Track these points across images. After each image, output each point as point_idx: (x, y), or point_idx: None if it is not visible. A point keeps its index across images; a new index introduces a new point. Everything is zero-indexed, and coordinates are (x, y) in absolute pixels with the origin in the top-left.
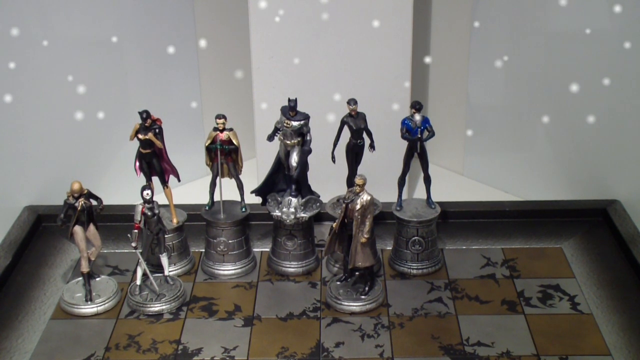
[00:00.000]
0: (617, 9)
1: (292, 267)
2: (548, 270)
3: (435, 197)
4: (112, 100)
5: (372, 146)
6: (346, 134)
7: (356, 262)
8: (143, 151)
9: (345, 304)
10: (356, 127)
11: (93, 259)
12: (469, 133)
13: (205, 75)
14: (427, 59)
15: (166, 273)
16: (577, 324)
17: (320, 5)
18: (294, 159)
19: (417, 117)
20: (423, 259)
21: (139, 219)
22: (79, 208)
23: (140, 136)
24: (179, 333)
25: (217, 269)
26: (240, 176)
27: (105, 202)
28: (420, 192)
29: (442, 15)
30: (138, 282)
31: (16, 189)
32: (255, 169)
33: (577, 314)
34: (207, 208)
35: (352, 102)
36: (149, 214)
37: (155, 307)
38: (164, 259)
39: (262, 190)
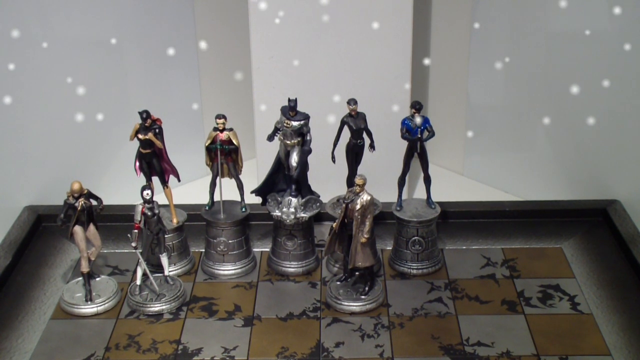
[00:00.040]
0: (617, 10)
1: (292, 267)
2: (548, 270)
3: (435, 197)
4: (112, 101)
5: (372, 146)
6: (346, 134)
7: (356, 262)
8: (143, 151)
9: (345, 304)
10: (356, 127)
11: (93, 259)
12: (470, 135)
13: (206, 76)
14: (427, 61)
15: (166, 273)
16: (577, 324)
17: (320, 7)
18: (294, 159)
19: (418, 119)
20: (423, 259)
21: (139, 219)
22: (79, 208)
23: (140, 136)
24: (179, 333)
25: (217, 269)
26: (240, 176)
27: (105, 202)
28: (420, 192)
29: (442, 17)
30: (138, 282)
31: (16, 189)
32: (255, 169)
33: (577, 314)
34: (207, 208)
35: (352, 102)
36: (149, 214)
37: (155, 307)
38: (164, 259)
39: (262, 190)
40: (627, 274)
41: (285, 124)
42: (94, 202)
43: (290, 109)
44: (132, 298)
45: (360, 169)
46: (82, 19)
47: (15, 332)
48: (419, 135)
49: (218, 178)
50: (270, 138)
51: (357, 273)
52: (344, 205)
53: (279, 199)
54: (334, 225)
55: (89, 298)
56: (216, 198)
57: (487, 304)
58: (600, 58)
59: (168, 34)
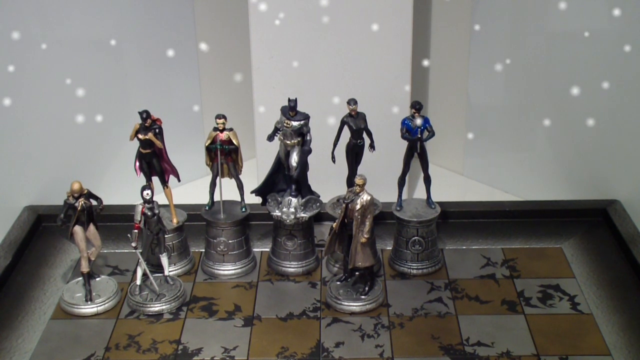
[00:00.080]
0: (616, 12)
1: (292, 267)
2: (548, 270)
3: (435, 197)
4: (112, 102)
5: (372, 146)
6: (346, 134)
7: (356, 262)
8: (143, 151)
9: (345, 304)
10: (356, 127)
11: (93, 259)
12: (470, 137)
13: (206, 76)
14: (425, 62)
15: (166, 273)
16: (577, 324)
17: (320, 8)
18: (294, 159)
19: (418, 121)
20: (423, 259)
21: (139, 219)
22: (79, 208)
23: (140, 136)
24: (179, 333)
25: (217, 269)
26: (240, 176)
27: (105, 202)
28: (420, 192)
29: (442, 18)
30: (138, 282)
31: (16, 189)
32: (255, 169)
33: (577, 314)
34: (207, 208)
35: (352, 102)
36: (149, 214)
37: (155, 307)
38: (164, 259)
39: (262, 190)
40: (627, 274)
41: (285, 124)
42: (94, 202)
43: (290, 109)
44: (132, 298)
45: (360, 169)
46: (82, 20)
47: (15, 332)
48: (419, 135)
49: (218, 178)
50: (270, 138)
51: (357, 273)
52: (344, 205)
53: (279, 199)
54: (334, 225)
55: (89, 298)
56: (216, 198)
57: (487, 304)
58: (600, 59)
59: (168, 35)
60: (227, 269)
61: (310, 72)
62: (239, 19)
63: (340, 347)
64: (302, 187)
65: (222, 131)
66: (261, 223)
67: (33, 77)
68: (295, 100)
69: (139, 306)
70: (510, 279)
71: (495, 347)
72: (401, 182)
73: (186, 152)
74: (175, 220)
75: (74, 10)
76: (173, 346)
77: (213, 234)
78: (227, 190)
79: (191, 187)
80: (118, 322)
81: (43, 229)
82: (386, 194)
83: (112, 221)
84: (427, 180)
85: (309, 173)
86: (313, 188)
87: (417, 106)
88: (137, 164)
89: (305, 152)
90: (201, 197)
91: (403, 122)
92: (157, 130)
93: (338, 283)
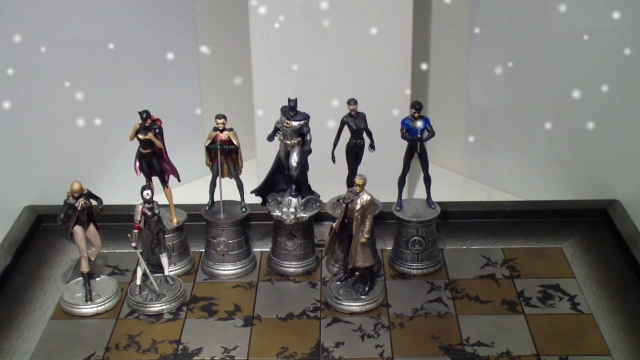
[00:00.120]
0: (616, 15)
1: (292, 267)
2: (548, 270)
3: (435, 197)
4: (112, 102)
5: (372, 146)
6: (346, 134)
7: (356, 262)
8: (143, 151)
9: (345, 304)
10: (356, 127)
11: (93, 259)
12: (471, 139)
13: (206, 76)
14: (424, 66)
15: (166, 273)
16: (577, 324)
17: (320, 11)
18: (294, 159)
19: (419, 123)
20: (423, 259)
21: (139, 219)
22: (79, 208)
23: (140, 136)
24: (179, 333)
25: (217, 269)
26: (240, 176)
27: (105, 202)
28: (420, 192)
29: (442, 21)
30: (138, 282)
31: (16, 189)
32: (255, 169)
33: (577, 314)
34: (207, 208)
35: (352, 102)
36: (149, 214)
37: (155, 307)
38: (164, 259)
39: (262, 190)
40: (627, 274)
41: (285, 124)
42: (94, 202)
43: (290, 109)
44: (132, 298)
45: (360, 169)
46: (82, 22)
47: (15, 332)
48: (419, 135)
49: (218, 178)
50: (270, 138)
51: (357, 273)
52: (344, 205)
53: (279, 199)
54: (334, 225)
55: (89, 298)
56: (216, 198)
57: (487, 304)
58: (600, 61)
59: (168, 36)
60: (227, 269)
61: (311, 72)
62: (239, 19)
63: (340, 347)
64: (302, 187)
65: (222, 131)
66: (261, 223)
67: (33, 78)
68: (295, 100)
69: (139, 306)
70: (510, 279)
71: (495, 347)
72: (401, 182)
73: (186, 152)
74: (175, 220)
75: (75, 12)
76: (173, 346)
77: (213, 234)
78: (227, 190)
79: (191, 187)
80: (118, 322)
81: (43, 229)
82: (386, 194)
83: (112, 221)
84: (427, 180)
85: (309, 173)
86: (313, 188)
87: (417, 106)
88: (137, 164)
89: (305, 152)
90: (201, 197)
91: (403, 122)
92: (157, 130)
93: (338, 283)
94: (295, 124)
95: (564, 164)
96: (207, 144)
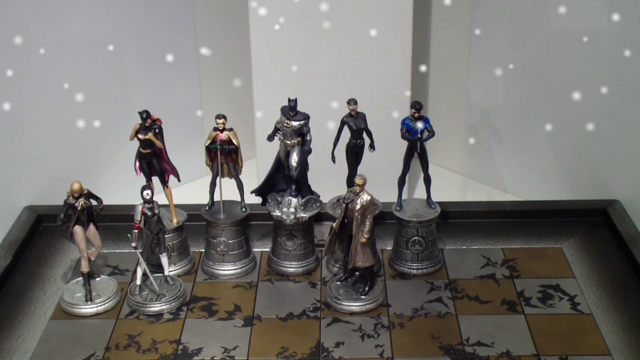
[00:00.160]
0: (616, 16)
1: (292, 267)
2: (548, 270)
3: (435, 197)
4: (112, 102)
5: (372, 146)
6: (346, 134)
7: (356, 262)
8: (143, 151)
9: (345, 304)
10: (356, 127)
11: (93, 259)
12: (471, 141)
13: (206, 76)
14: (423, 68)
15: (166, 273)
16: (577, 324)
17: (320, 13)
18: (294, 159)
19: (419, 125)
20: (423, 259)
21: (139, 219)
22: (79, 208)
23: (140, 136)
24: (179, 333)
25: (217, 269)
26: (240, 176)
27: (105, 202)
28: (420, 192)
29: (442, 22)
30: (138, 282)
31: (16, 189)
32: (255, 169)
33: (577, 314)
34: (207, 208)
35: (352, 102)
36: (149, 214)
37: (155, 307)
38: (164, 259)
39: (262, 190)
40: (627, 274)
41: (285, 124)
42: (94, 202)
43: (290, 109)
44: (132, 298)
45: (360, 169)
46: (83, 22)
47: (15, 332)
48: (419, 135)
49: (218, 178)
50: (270, 138)
51: (357, 273)
52: (344, 205)
53: (279, 199)
54: (334, 225)
55: (89, 298)
56: (216, 198)
57: (487, 304)
58: (600, 61)
59: (168, 37)
60: (227, 269)
61: (311, 72)
62: (239, 19)
63: (340, 347)
64: (302, 187)
65: (222, 131)
66: (261, 223)
67: (33, 78)
68: (295, 100)
69: (139, 306)
70: (510, 279)
71: (495, 347)
72: (401, 182)
73: (186, 152)
74: (175, 220)
75: (75, 13)
76: (173, 346)
77: (213, 234)
78: (227, 190)
79: (191, 187)
80: (118, 322)
81: (43, 229)
82: (386, 194)
83: (112, 221)
84: (427, 180)
85: (309, 173)
86: (313, 188)
87: (417, 106)
88: (137, 164)
89: (305, 152)
90: (201, 197)
91: (403, 122)
92: (157, 130)
93: (338, 283)
94: (295, 124)
95: (564, 164)
96: (207, 144)
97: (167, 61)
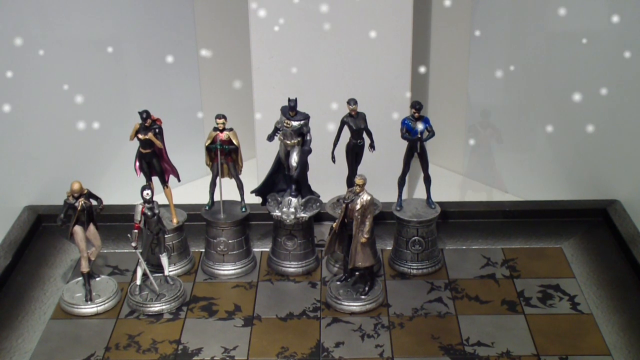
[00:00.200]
0: (616, 16)
1: (292, 267)
2: (548, 270)
3: (435, 197)
4: (112, 102)
5: (372, 146)
6: (346, 134)
7: (356, 262)
8: (143, 151)
9: (345, 304)
10: (356, 127)
11: (93, 259)
12: (471, 141)
13: (206, 77)
14: (422, 69)
15: (166, 273)
16: (577, 324)
17: (320, 14)
18: (294, 159)
19: (420, 126)
20: (423, 259)
21: (139, 219)
22: (79, 208)
23: (140, 136)
24: (179, 333)
25: (217, 269)
26: (240, 176)
27: (105, 202)
28: (420, 192)
29: (442, 23)
30: (138, 282)
31: (16, 189)
32: (255, 169)
33: (577, 314)
34: (207, 208)
35: (352, 102)
36: (149, 214)
37: (155, 307)
38: (164, 259)
39: (262, 190)
40: (627, 274)
41: (285, 124)
42: (94, 202)
43: (290, 109)
44: (132, 298)
45: (360, 169)
46: (83, 23)
47: (15, 332)
48: (419, 135)
49: (218, 178)
50: (270, 138)
51: (357, 273)
52: (344, 205)
53: (279, 199)
54: (334, 225)
55: (89, 298)
56: (216, 198)
57: (487, 304)
58: (600, 61)
59: (169, 37)
60: (227, 269)
61: (311, 73)
62: (239, 20)
63: (340, 347)
64: (302, 187)
65: (222, 131)
66: (261, 223)
67: (33, 78)
68: (295, 100)
69: (139, 306)
70: (510, 279)
71: (495, 347)
72: (401, 182)
73: (186, 152)
74: (175, 220)
75: (75, 13)
76: (173, 346)
77: (213, 234)
78: (227, 190)
79: (191, 187)
80: (118, 322)
81: (43, 229)
82: (386, 194)
83: (112, 221)
84: (427, 180)
85: (309, 173)
86: (313, 188)
87: (417, 106)
88: (137, 164)
89: (305, 152)
90: (201, 197)
91: (403, 122)
92: (157, 130)
93: (338, 283)
94: (295, 124)
95: (564, 164)
96: (207, 144)
97: (167, 62)
